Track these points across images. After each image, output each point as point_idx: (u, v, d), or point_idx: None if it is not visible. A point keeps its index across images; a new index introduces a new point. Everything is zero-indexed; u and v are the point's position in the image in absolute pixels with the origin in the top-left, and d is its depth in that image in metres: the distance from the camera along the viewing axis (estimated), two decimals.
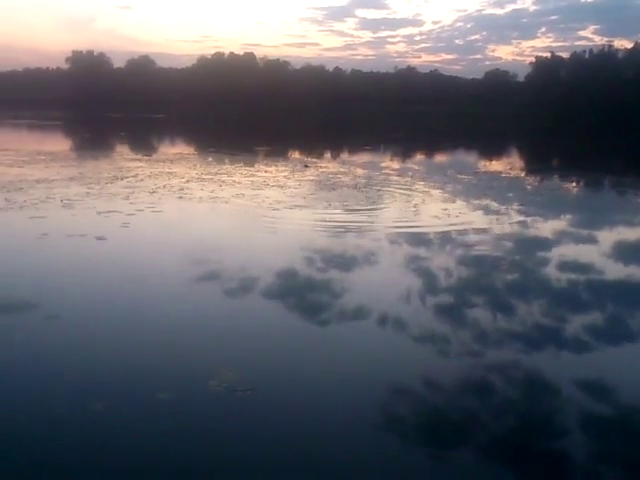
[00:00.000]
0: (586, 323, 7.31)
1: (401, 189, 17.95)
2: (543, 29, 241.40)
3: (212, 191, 16.22)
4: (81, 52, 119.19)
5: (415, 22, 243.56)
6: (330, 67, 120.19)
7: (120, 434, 4.67)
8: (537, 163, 33.03)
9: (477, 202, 15.77)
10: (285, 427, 4.86)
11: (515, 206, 15.44)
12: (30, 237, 10.46)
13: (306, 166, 23.79)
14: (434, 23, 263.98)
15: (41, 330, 6.59)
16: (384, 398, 5.36)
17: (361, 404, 5.25)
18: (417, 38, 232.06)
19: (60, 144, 35.79)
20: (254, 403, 5.16)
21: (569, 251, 10.97)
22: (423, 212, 14.21)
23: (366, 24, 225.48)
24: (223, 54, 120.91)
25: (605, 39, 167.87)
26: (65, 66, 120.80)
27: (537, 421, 5.11)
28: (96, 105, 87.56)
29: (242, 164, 24.05)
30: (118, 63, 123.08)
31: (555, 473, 4.42)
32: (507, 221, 13.37)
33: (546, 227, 13.00)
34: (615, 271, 9.80)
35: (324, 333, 6.85)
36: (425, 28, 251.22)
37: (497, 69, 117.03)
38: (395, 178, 20.99)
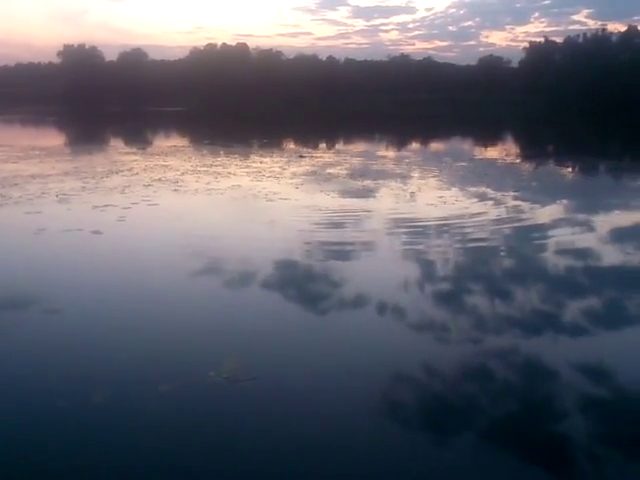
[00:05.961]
0: (585, 307, 7.34)
1: (397, 178, 17.96)
2: (536, 14, 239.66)
3: (208, 183, 16.19)
4: (72, 46, 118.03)
5: (408, 9, 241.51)
6: (323, 56, 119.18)
7: (120, 427, 4.69)
8: (532, 149, 33.01)
9: (473, 189, 15.78)
10: (287, 416, 4.88)
11: (511, 192, 15.44)
12: (26, 233, 10.44)
13: (301, 156, 23.75)
14: (427, 10, 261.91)
15: (41, 324, 6.60)
16: (385, 385, 5.38)
17: (363, 391, 5.26)
18: (410, 25, 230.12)
19: (54, 139, 35.61)
20: (255, 393, 5.18)
21: (565, 236, 10.98)
22: (419, 200, 14.21)
23: (359, 12, 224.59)
24: (216, 45, 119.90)
25: (599, 23, 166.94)
26: (57, 60, 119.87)
27: (537, 405, 5.14)
28: (89, 99, 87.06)
29: (237, 156, 23.98)
30: (110, 56, 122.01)
31: (555, 455, 4.46)
32: (503, 207, 13.38)
33: (542, 213, 13.01)
34: (612, 255, 9.82)
35: (324, 321, 6.86)
36: (418, 15, 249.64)
37: (491, 55, 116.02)
38: (391, 167, 20.97)
